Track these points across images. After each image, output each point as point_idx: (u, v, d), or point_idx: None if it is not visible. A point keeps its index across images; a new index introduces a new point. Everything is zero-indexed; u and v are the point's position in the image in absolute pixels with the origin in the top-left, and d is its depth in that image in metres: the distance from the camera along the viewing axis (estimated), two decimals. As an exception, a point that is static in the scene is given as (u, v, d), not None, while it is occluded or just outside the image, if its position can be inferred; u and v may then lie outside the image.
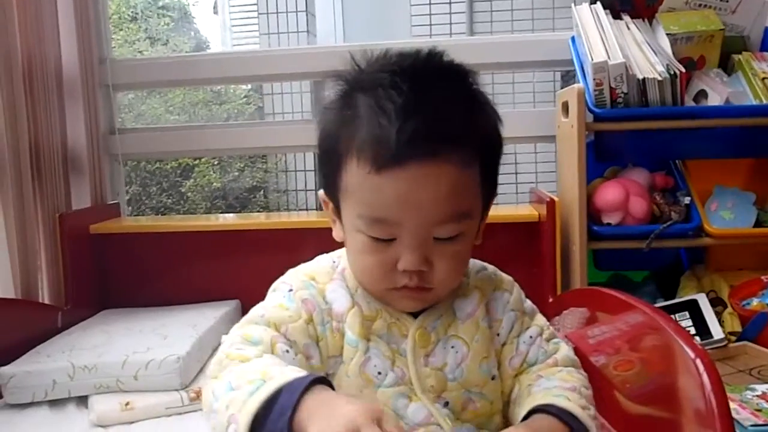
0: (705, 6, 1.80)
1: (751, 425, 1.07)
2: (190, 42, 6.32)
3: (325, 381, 0.70)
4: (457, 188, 0.76)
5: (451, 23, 5.07)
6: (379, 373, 0.81)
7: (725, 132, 1.76)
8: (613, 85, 1.67)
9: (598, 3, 1.84)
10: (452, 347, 0.84)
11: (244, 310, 1.99)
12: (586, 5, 1.84)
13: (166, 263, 2.10)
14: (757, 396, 1.17)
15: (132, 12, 5.64)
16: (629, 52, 1.70)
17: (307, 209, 4.88)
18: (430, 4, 5.08)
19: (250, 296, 1.95)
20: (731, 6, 1.80)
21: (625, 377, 1.10)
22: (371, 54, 0.82)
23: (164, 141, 2.39)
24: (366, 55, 0.82)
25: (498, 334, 0.89)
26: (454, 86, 0.78)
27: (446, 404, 0.83)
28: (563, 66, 2.08)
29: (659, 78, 1.64)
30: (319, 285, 0.86)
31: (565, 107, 1.78)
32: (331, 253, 0.93)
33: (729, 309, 1.67)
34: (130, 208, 4.22)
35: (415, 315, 0.85)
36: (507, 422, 0.89)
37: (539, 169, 4.42)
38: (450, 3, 5.07)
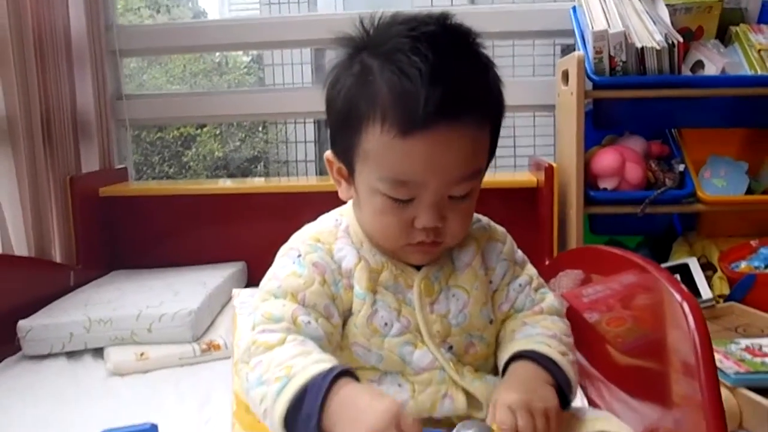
0: (704, -22, 1.84)
1: (735, 373, 1.14)
2: (188, 12, 6.31)
3: (345, 373, 0.74)
4: (474, 149, 0.81)
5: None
6: (386, 324, 0.86)
7: (720, 102, 1.82)
8: (612, 54, 1.72)
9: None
10: (453, 296, 0.89)
11: (250, 272, 2.07)
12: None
13: (172, 226, 2.16)
14: (741, 349, 1.24)
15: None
16: (629, 22, 1.74)
17: (307, 177, 4.93)
18: (431, -26, 5.09)
19: (255, 258, 2.05)
20: (729, -22, 1.84)
21: (618, 332, 1.16)
22: (376, 19, 0.84)
23: (169, 107, 2.44)
24: (371, 20, 0.84)
25: (491, 281, 0.94)
26: (469, 51, 0.82)
27: (450, 348, 0.88)
28: (564, 36, 2.12)
29: (657, 47, 1.69)
30: (326, 246, 0.89)
31: (565, 75, 1.83)
32: (333, 212, 0.96)
33: (719, 273, 1.73)
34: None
35: (417, 267, 0.90)
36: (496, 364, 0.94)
37: (537, 142, 4.46)
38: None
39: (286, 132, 5.09)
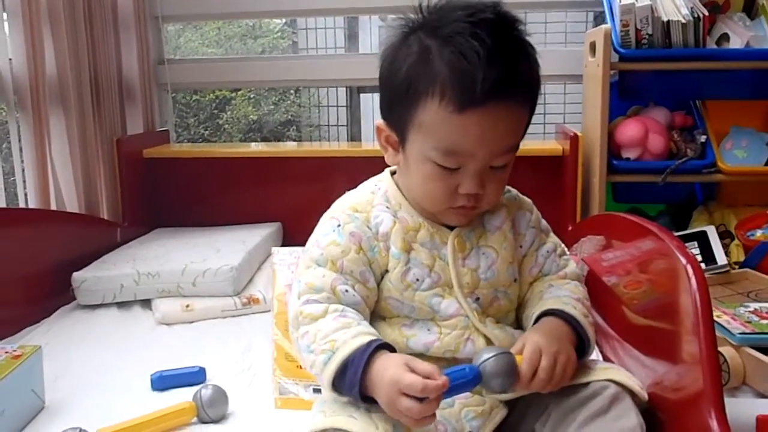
0: (733, -50, 1.87)
1: (740, 333, 1.21)
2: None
3: (381, 346, 0.87)
4: (516, 125, 0.92)
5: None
6: (417, 279, 0.97)
7: (744, 74, 1.86)
8: (638, 27, 1.76)
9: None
10: (483, 254, 1.00)
11: (285, 232, 2.17)
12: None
13: (211, 187, 2.27)
14: (749, 311, 1.30)
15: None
16: (656, -5, 1.78)
17: (339, 142, 5.01)
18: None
19: (289, 219, 2.14)
20: (759, -50, 1.87)
21: (633, 295, 1.23)
22: (432, 2, 0.93)
23: (208, 72, 2.54)
24: (428, 3, 0.93)
25: (521, 246, 1.05)
26: (517, 38, 0.91)
27: (477, 299, 0.99)
28: (593, 7, 2.16)
29: (683, 21, 1.73)
30: (363, 214, 1.00)
31: (593, 47, 1.88)
32: (371, 180, 1.07)
33: (736, 241, 1.79)
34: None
35: (450, 228, 1.00)
36: (518, 320, 1.06)
37: (567, 110, 4.48)
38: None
39: (318, 96, 5.16)
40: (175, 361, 1.34)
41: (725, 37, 1.82)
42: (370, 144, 2.27)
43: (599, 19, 3.82)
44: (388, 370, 0.83)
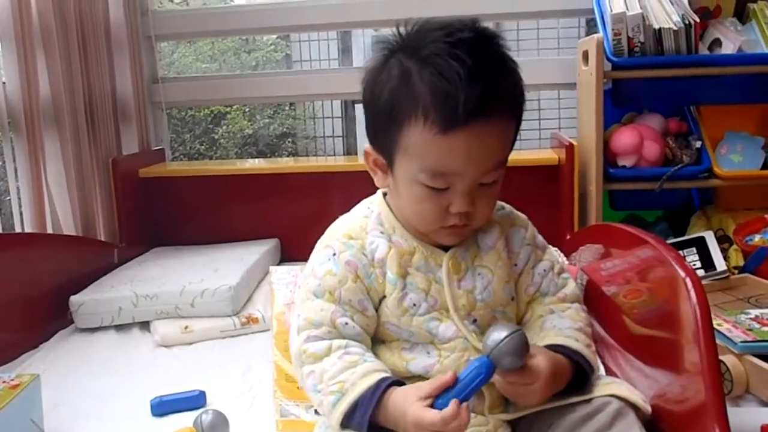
0: (722, -45, 1.87)
1: (741, 341, 1.20)
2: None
3: (391, 384, 0.89)
4: (503, 141, 0.91)
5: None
6: (414, 304, 0.97)
7: (737, 79, 1.86)
8: (630, 35, 1.77)
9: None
10: (479, 274, 0.99)
11: (283, 248, 2.16)
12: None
13: (208, 205, 2.26)
14: (750, 318, 1.30)
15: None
16: (647, 3, 1.78)
17: (335, 154, 5.01)
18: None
19: (287, 235, 2.14)
20: (748, -46, 1.87)
21: (633, 304, 1.23)
22: (410, 24, 0.93)
23: (202, 89, 2.54)
24: (405, 25, 0.93)
25: (516, 264, 1.04)
26: (498, 53, 0.91)
27: (474, 321, 0.98)
28: (585, 14, 2.17)
29: (674, 28, 1.73)
30: (358, 241, 1.00)
31: (585, 56, 1.88)
32: (364, 202, 1.07)
33: (735, 246, 1.79)
34: (165, 154, 4.36)
35: (445, 249, 0.99)
36: None
37: (562, 115, 4.49)
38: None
39: (313, 108, 5.16)
40: (175, 384, 1.32)
41: (717, 43, 1.83)
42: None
43: (591, 24, 3.84)
44: (406, 412, 0.84)
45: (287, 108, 5.23)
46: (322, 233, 1.06)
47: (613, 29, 1.76)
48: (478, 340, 0.96)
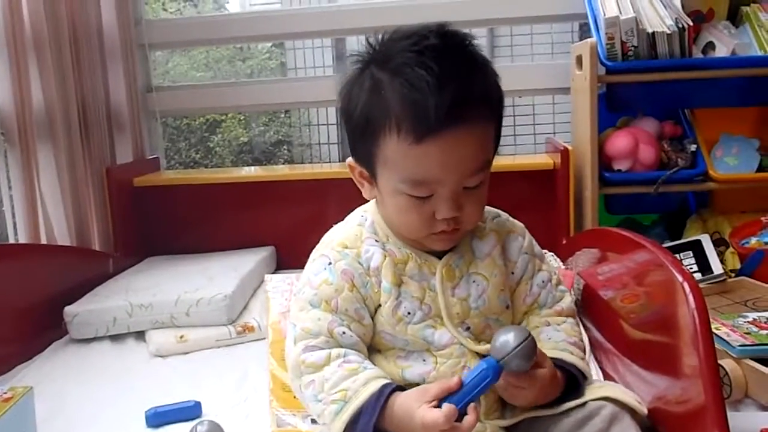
0: (715, -41, 1.88)
1: (740, 345, 1.20)
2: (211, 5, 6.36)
3: (393, 390, 0.89)
4: (482, 143, 0.90)
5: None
6: (409, 313, 0.96)
7: (731, 82, 1.86)
8: (624, 39, 1.77)
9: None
10: (474, 281, 0.99)
11: (279, 256, 2.16)
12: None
13: (203, 213, 2.25)
14: (748, 322, 1.30)
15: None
16: (640, 7, 1.79)
17: (330, 161, 5.01)
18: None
19: (283, 242, 2.13)
20: (741, -42, 1.88)
21: (630, 309, 1.23)
22: (381, 35, 0.92)
23: (197, 98, 2.53)
24: (376, 36, 0.93)
25: (513, 273, 1.03)
26: (466, 56, 0.90)
27: (468, 328, 0.97)
28: (579, 19, 2.17)
29: (668, 31, 1.74)
30: (354, 250, 0.99)
31: (579, 60, 1.88)
32: (358, 210, 1.06)
33: (731, 249, 1.79)
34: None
35: (439, 257, 0.99)
36: None
37: (556, 120, 4.49)
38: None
39: (308, 115, 5.16)
40: (170, 394, 1.31)
41: (711, 46, 1.83)
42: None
43: (584, 28, 3.85)
44: (414, 416, 0.84)
45: (282, 115, 5.23)
46: (318, 240, 1.06)
47: (606, 33, 1.76)
48: (475, 345, 0.96)
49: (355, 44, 5.04)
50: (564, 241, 1.84)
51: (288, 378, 1.13)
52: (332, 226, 1.07)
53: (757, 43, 1.80)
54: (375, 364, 0.95)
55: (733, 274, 1.70)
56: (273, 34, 2.59)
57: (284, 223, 2.19)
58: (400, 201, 0.92)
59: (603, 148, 1.85)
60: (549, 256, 1.63)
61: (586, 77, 1.80)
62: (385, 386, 0.88)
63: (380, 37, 0.92)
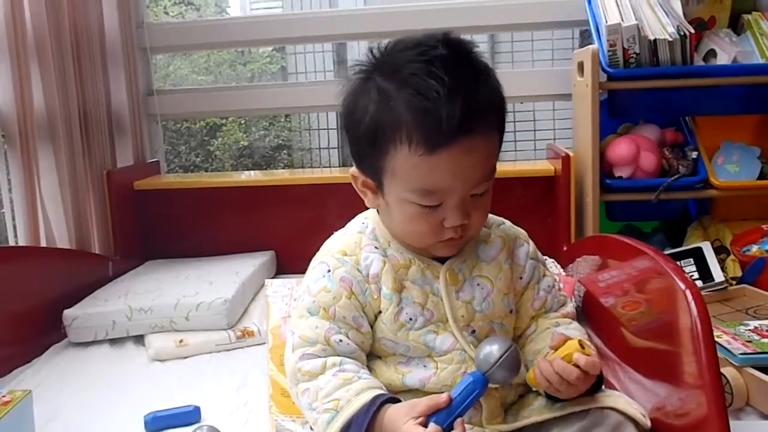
0: (716, -33, 1.88)
1: (741, 353, 1.20)
2: (212, 9, 6.37)
3: (385, 401, 0.88)
4: (489, 151, 0.91)
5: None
6: (410, 318, 0.96)
7: (733, 90, 1.87)
8: (626, 46, 1.77)
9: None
10: (478, 284, 0.99)
11: (279, 260, 2.15)
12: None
13: (203, 217, 2.25)
14: (749, 330, 1.29)
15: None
16: (642, 14, 1.79)
17: (330, 166, 5.01)
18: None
19: (283, 247, 2.13)
20: (742, -35, 1.88)
21: (631, 316, 1.22)
22: (383, 45, 0.93)
23: (197, 101, 2.53)
24: (379, 46, 0.93)
25: (521, 278, 1.04)
26: (473, 66, 0.90)
27: (473, 332, 0.97)
28: (580, 25, 2.17)
29: (670, 39, 1.74)
30: (353, 257, 0.99)
31: (581, 67, 1.88)
32: (359, 217, 1.07)
33: (732, 256, 1.79)
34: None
35: (442, 261, 0.99)
36: None
37: (557, 126, 4.49)
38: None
39: (309, 120, 5.16)
40: (170, 399, 1.31)
41: (712, 54, 1.83)
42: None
43: (585, 35, 3.85)
44: (399, 431, 0.84)
45: (283, 120, 5.23)
46: (318, 245, 1.06)
47: (608, 40, 1.76)
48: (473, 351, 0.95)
49: (356, 49, 5.07)
50: (565, 248, 1.84)
51: (287, 383, 1.13)
52: (332, 231, 1.07)
53: (759, 51, 1.80)
54: (375, 371, 0.95)
55: (734, 282, 1.70)
56: (274, 39, 2.59)
57: (284, 228, 2.19)
58: (409, 210, 0.92)
59: (604, 154, 1.85)
60: (550, 262, 1.63)
61: (588, 84, 1.80)
62: (376, 397, 0.88)
63: (383, 46, 0.92)
